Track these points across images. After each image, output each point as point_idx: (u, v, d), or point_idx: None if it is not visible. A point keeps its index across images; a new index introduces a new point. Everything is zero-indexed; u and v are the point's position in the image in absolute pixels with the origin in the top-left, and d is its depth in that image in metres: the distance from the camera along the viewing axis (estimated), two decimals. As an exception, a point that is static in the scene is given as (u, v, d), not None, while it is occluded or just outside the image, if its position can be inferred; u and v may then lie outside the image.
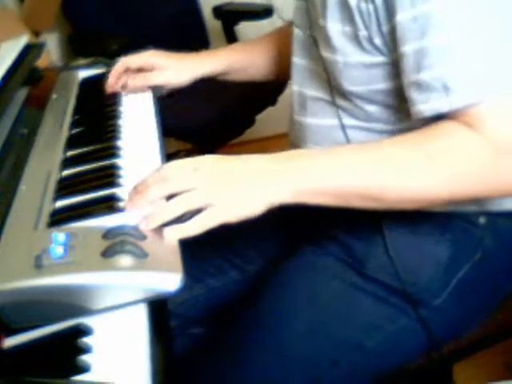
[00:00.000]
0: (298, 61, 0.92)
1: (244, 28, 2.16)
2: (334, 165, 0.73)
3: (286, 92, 1.97)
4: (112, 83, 1.09)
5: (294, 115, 0.93)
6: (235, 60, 1.13)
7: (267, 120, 2.15)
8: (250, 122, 2.05)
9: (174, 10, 2.21)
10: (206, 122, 1.83)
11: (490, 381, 1.24)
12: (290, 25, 1.05)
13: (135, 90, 1.09)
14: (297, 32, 0.92)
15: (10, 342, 0.60)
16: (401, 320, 0.84)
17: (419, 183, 0.71)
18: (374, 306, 0.84)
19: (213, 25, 2.23)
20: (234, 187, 0.71)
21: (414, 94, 0.72)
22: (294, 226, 1.01)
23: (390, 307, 0.84)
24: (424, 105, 0.71)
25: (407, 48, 0.71)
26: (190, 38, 2.22)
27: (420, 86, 0.71)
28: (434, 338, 0.84)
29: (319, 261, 0.88)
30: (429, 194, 0.72)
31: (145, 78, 1.08)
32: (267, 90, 1.99)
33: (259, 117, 2.05)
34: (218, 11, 2.13)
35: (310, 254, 0.90)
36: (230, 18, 2.14)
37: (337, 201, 0.73)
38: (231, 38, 2.14)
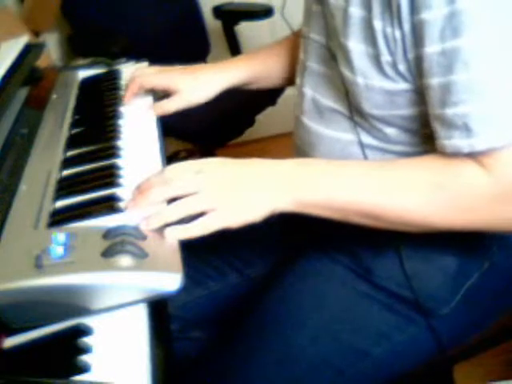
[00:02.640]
0: (314, 66, 0.88)
1: (244, 28, 2.16)
2: (338, 180, 0.73)
3: (286, 92, 1.97)
4: (128, 101, 1.04)
5: (304, 119, 0.90)
6: (253, 70, 1.09)
7: (267, 120, 2.15)
8: (250, 122, 2.05)
9: (174, 9, 2.21)
10: (206, 121, 1.83)
11: (490, 380, 1.24)
12: (297, 33, 1.04)
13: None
14: (313, 37, 0.88)
15: (10, 342, 0.60)
16: (408, 328, 0.83)
17: (420, 210, 0.71)
18: (381, 314, 0.83)
19: (213, 25, 2.23)
20: (236, 192, 0.71)
21: (438, 128, 0.71)
22: (297, 231, 1.01)
23: (398, 316, 0.83)
24: (446, 141, 0.70)
25: (433, 81, 0.69)
26: (190, 38, 2.22)
27: (444, 121, 0.70)
28: (442, 346, 0.83)
29: (326, 268, 0.88)
30: (426, 222, 0.72)
31: (161, 107, 1.02)
32: (267, 91, 1.99)
33: (259, 117, 2.05)
34: (218, 11, 2.13)
35: (316, 260, 0.89)
36: (229, 18, 2.14)
37: (336, 215, 0.73)
38: (231, 38, 2.13)
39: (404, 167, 0.73)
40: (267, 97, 2.01)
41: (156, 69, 1.08)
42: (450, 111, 0.68)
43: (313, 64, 0.89)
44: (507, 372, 1.40)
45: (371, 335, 0.83)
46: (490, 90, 0.66)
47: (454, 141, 0.69)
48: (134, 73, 1.07)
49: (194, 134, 1.90)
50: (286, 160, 0.74)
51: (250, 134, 2.12)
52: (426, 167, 0.72)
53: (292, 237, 1.02)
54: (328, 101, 0.87)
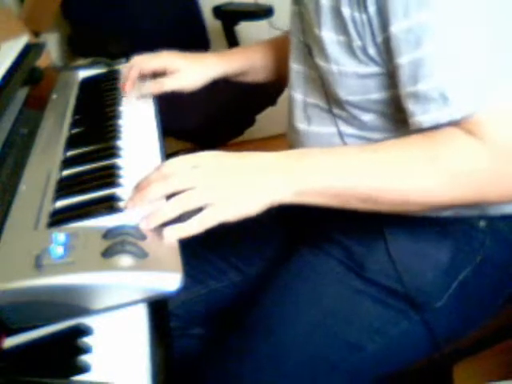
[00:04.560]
0: (295, 66, 0.92)
1: (244, 28, 2.16)
2: (335, 166, 0.73)
3: (286, 92, 1.97)
4: (129, 89, 1.06)
5: (292, 119, 0.92)
6: (251, 61, 1.12)
7: (267, 120, 2.15)
8: (250, 122, 2.05)
9: (174, 9, 2.21)
10: (206, 121, 1.83)
11: (490, 381, 1.24)
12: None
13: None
14: (293, 37, 0.92)
15: (10, 342, 0.60)
16: (401, 323, 0.84)
17: (420, 186, 0.71)
18: (374, 309, 0.84)
19: (213, 25, 2.23)
20: (233, 185, 0.71)
21: (411, 106, 0.72)
22: (294, 228, 1.01)
23: (391, 310, 0.83)
24: (423, 116, 0.71)
25: (403, 59, 0.71)
26: (190, 38, 2.22)
27: (418, 97, 0.70)
28: (436, 341, 0.83)
29: (320, 264, 0.88)
30: (429, 198, 0.72)
31: (159, 84, 1.05)
32: (267, 90, 1.99)
33: (259, 117, 2.05)
34: (218, 11, 2.13)
35: (310, 256, 0.89)
36: (229, 18, 2.14)
37: (336, 202, 0.73)
38: (231, 37, 2.13)
39: (396, 148, 0.73)
40: (267, 97, 2.01)
41: (154, 54, 1.09)
42: (423, 85, 0.69)
43: (294, 64, 0.92)
44: (507, 372, 1.39)
45: (364, 330, 0.83)
46: (461, 57, 0.68)
47: (431, 114, 0.70)
48: (131, 61, 1.09)
49: (193, 134, 1.90)
50: (281, 152, 0.74)
51: (249, 133, 2.12)
52: (417, 144, 0.72)
53: (290, 234, 1.02)
54: (309, 97, 0.89)
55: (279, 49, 1.11)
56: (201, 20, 2.26)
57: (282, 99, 1.99)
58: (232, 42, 2.14)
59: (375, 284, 0.84)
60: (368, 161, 0.73)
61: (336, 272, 0.86)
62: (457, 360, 0.98)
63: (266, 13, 2.01)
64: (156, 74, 1.08)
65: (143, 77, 1.09)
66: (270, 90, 2.00)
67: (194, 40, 2.24)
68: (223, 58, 1.11)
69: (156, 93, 1.05)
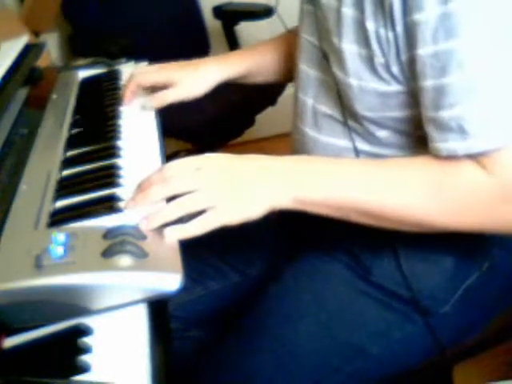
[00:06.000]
0: (305, 69, 0.88)
1: (244, 28, 2.16)
2: (338, 178, 0.73)
3: (286, 92, 1.97)
4: (128, 100, 1.04)
5: (300, 123, 0.90)
6: (252, 63, 1.09)
7: (267, 120, 2.15)
8: (250, 122, 2.05)
9: (174, 9, 2.21)
10: (206, 122, 1.83)
11: (490, 380, 1.24)
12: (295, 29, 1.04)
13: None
14: (304, 38, 0.88)
15: (10, 342, 0.60)
16: (406, 327, 0.83)
17: (419, 209, 0.71)
18: (379, 312, 0.83)
19: (213, 25, 2.23)
20: (236, 189, 0.71)
21: (432, 131, 0.71)
22: (296, 230, 1.01)
23: (396, 314, 0.83)
24: (441, 144, 0.69)
25: (427, 83, 0.69)
26: (190, 38, 2.22)
27: (438, 124, 0.69)
28: (441, 345, 0.83)
29: (325, 267, 0.87)
30: (424, 222, 0.72)
31: (161, 98, 1.02)
32: (267, 90, 1.99)
33: (259, 117, 2.05)
34: (218, 11, 2.13)
35: (315, 259, 0.89)
36: (229, 18, 2.14)
37: (335, 213, 0.73)
38: (231, 38, 2.13)
39: (402, 166, 0.73)
40: (267, 96, 2.01)
41: (155, 66, 1.08)
42: (444, 114, 0.68)
43: (305, 66, 0.89)
44: (507, 372, 1.39)
45: (368, 333, 0.83)
46: (485, 92, 0.66)
47: (449, 144, 0.69)
48: (132, 72, 1.07)
49: (193, 134, 1.90)
50: (285, 157, 0.74)
51: (249, 133, 2.12)
52: (424, 167, 0.72)
53: (291, 235, 1.02)
54: (321, 105, 0.87)
55: (283, 49, 1.09)
56: (201, 20, 2.26)
57: (282, 99, 1.99)
58: (232, 42, 2.14)
59: (380, 288, 0.83)
60: (372, 176, 0.73)
61: (341, 275, 0.86)
62: (458, 361, 0.98)
63: (266, 13, 2.00)
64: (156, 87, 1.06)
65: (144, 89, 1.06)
66: (270, 90, 2.00)
67: (194, 40, 2.24)
68: (225, 62, 1.08)
69: (158, 107, 1.02)
